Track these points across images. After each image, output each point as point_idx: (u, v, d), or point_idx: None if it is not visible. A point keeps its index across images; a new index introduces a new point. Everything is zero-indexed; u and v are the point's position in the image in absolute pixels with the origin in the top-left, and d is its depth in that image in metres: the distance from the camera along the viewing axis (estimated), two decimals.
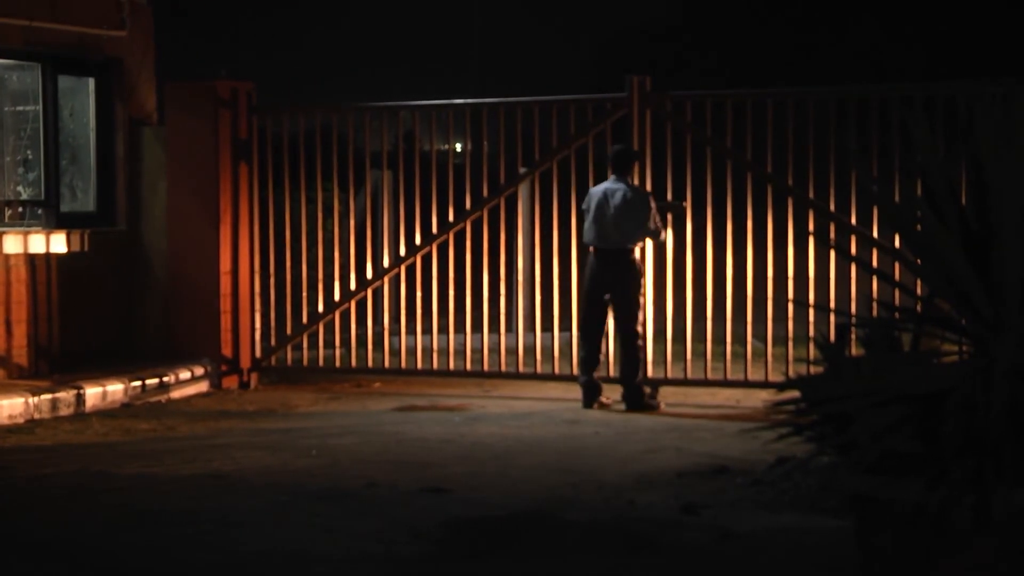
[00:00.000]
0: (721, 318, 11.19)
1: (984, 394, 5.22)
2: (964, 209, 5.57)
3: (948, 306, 5.75)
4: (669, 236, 11.11)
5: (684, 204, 11.14)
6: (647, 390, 10.89)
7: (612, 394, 10.96)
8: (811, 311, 10.89)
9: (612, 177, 10.86)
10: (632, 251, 10.82)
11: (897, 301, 9.16)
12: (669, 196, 11.20)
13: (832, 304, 10.78)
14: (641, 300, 10.89)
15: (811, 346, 10.68)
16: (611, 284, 10.78)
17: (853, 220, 10.81)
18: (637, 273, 10.88)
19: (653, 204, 10.82)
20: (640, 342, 10.86)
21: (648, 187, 11.14)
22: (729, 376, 11.24)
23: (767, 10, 28.76)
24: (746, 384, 11.19)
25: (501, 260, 11.87)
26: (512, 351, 11.94)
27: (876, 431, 5.31)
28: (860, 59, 26.17)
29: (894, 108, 10.64)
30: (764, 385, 10.88)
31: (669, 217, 11.02)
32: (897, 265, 9.47)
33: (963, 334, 5.71)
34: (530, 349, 11.70)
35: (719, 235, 11.14)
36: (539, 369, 11.68)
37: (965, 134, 5.69)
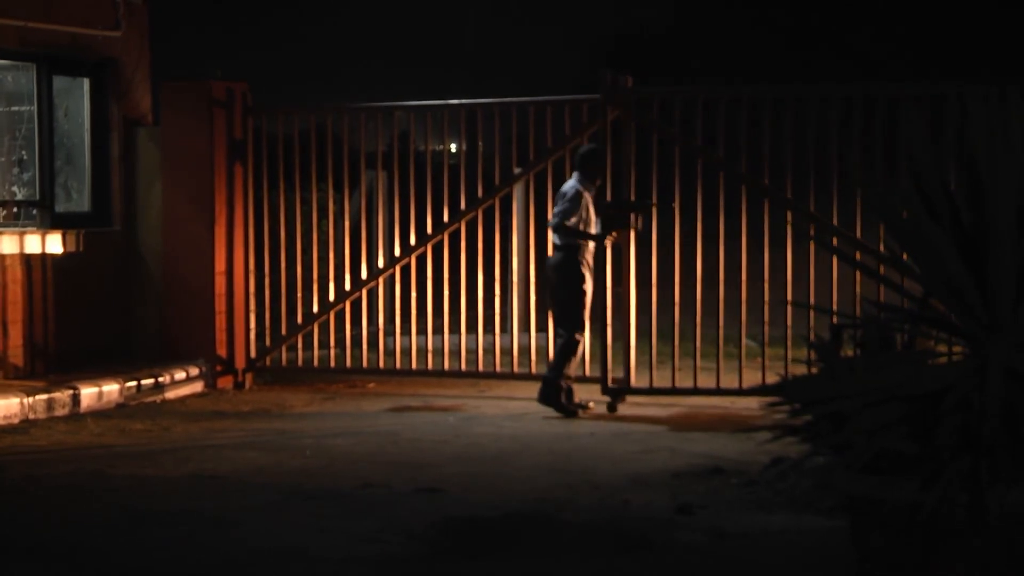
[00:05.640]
0: (691, 319, 11.02)
1: (979, 394, 5.22)
2: (958, 207, 5.58)
3: (942, 306, 5.75)
4: (633, 236, 10.94)
5: (651, 203, 10.97)
6: (577, 397, 10.76)
7: (584, 394, 10.87)
8: (788, 314, 10.68)
9: (575, 175, 10.82)
10: (569, 249, 10.59)
11: (883, 300, 9.14)
12: (633, 195, 11.03)
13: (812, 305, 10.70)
14: (579, 305, 10.61)
15: (788, 346, 10.61)
16: (549, 281, 10.74)
17: (835, 221, 10.73)
18: (573, 275, 10.61)
19: (583, 202, 10.58)
20: (574, 343, 10.60)
21: (611, 186, 11.01)
22: (699, 384, 10.96)
23: (759, 11, 28.80)
24: (718, 392, 10.91)
25: (496, 260, 11.88)
26: (507, 351, 11.94)
27: (871, 431, 5.32)
28: (852, 60, 26.20)
29: (881, 107, 10.54)
30: (740, 392, 10.72)
31: (635, 217, 10.82)
32: (882, 266, 9.40)
33: (957, 334, 5.72)
34: (525, 349, 11.70)
35: (688, 234, 10.95)
36: (534, 370, 11.66)
37: (958, 133, 5.70)
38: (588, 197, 10.74)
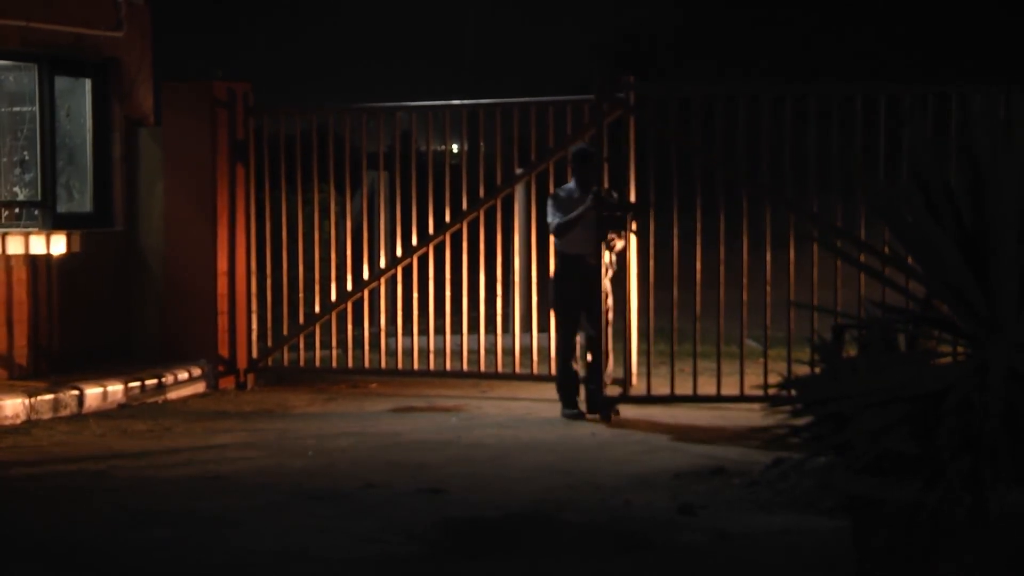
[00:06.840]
0: (690, 321, 10.88)
1: (980, 394, 5.23)
2: (959, 208, 5.58)
3: (944, 307, 5.76)
4: (632, 240, 10.90)
5: (647, 204, 10.88)
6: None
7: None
8: (791, 315, 10.59)
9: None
10: (559, 255, 10.67)
11: (886, 301, 9.12)
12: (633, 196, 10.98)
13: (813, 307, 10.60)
14: (556, 311, 10.69)
15: (789, 347, 10.56)
16: None
17: (838, 221, 10.68)
18: (552, 282, 10.73)
19: (559, 204, 10.59)
20: (559, 345, 10.66)
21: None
22: (699, 391, 10.79)
23: (760, 11, 28.82)
24: (718, 399, 10.75)
25: (498, 261, 11.87)
26: (509, 352, 11.94)
27: (872, 431, 5.32)
28: (853, 61, 26.21)
29: (882, 107, 10.48)
30: (740, 399, 10.62)
31: (630, 218, 10.74)
32: (885, 267, 9.36)
33: (959, 334, 5.72)
34: (527, 350, 11.69)
35: (687, 235, 10.84)
36: (536, 370, 11.66)
37: (960, 133, 5.71)
38: (569, 195, 10.65)
